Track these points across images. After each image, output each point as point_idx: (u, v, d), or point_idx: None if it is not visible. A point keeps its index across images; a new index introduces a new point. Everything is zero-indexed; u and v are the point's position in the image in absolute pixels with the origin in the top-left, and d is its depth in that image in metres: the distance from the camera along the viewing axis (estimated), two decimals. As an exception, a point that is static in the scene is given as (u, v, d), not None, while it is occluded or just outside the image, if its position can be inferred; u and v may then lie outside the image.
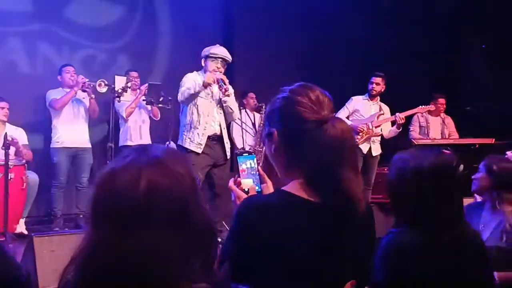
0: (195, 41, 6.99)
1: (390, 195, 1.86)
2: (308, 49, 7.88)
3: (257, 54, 7.46)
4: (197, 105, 4.75)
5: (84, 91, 5.70)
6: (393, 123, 5.95)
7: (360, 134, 5.77)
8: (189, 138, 4.77)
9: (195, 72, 4.92)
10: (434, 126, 6.98)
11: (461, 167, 3.33)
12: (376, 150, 5.94)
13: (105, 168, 0.99)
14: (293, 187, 1.34)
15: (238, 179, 1.55)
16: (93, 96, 5.71)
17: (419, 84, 7.55)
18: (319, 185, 1.31)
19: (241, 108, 6.47)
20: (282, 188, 1.36)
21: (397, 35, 7.64)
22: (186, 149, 4.73)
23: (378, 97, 6.07)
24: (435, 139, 6.72)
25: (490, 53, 8.11)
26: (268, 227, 1.27)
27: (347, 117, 5.94)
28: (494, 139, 6.24)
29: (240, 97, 6.81)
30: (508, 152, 3.30)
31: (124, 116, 5.98)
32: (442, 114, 7.06)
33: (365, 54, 7.65)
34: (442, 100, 6.94)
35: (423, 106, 6.30)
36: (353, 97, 6.04)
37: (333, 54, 7.57)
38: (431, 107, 6.47)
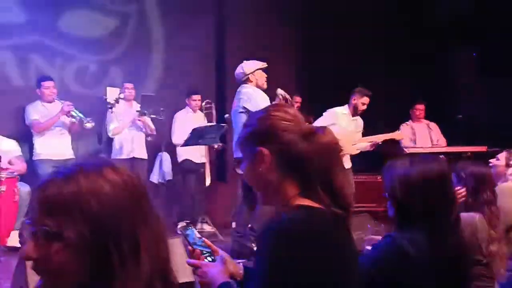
0: (188, 53, 7.03)
1: (394, 201, 1.87)
2: (300, 61, 7.92)
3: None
4: None
5: (68, 116, 5.61)
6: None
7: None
8: None
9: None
10: (421, 133, 7.04)
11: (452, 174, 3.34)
12: (348, 163, 5.78)
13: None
14: (303, 201, 1.33)
15: (196, 250, 1.55)
16: (75, 121, 5.61)
17: (410, 93, 7.60)
18: (320, 192, 1.33)
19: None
20: (299, 203, 1.33)
21: (388, 42, 7.70)
22: None
23: None
24: (426, 147, 6.76)
25: (481, 61, 8.18)
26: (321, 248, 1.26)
27: None
28: (486, 147, 6.28)
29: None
30: (491, 160, 3.32)
31: (110, 134, 5.95)
32: (426, 120, 7.12)
33: (354, 63, 7.69)
34: (419, 106, 7.02)
35: (398, 132, 6.14)
36: (333, 109, 5.81)
37: (324, 63, 7.59)
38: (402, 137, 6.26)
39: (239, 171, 6.14)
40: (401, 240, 1.76)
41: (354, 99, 5.79)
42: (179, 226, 1.46)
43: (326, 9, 7.59)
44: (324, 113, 5.85)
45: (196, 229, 1.64)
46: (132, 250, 0.93)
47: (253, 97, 4.71)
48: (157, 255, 0.97)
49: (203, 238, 1.61)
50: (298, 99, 6.81)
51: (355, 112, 5.82)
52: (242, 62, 5.07)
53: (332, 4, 7.54)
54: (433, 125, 7.16)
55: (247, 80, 4.91)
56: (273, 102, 4.59)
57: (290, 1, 7.86)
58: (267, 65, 5.01)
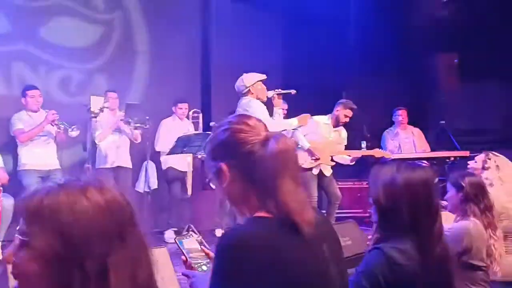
0: (173, 61, 7.03)
1: (379, 209, 1.87)
2: (285, 70, 7.97)
3: (235, 76, 7.50)
4: None
5: (53, 125, 5.54)
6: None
7: (315, 160, 5.60)
8: None
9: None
10: (405, 139, 7.10)
11: (436, 179, 3.41)
12: (328, 170, 5.82)
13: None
14: (261, 212, 1.35)
15: (189, 261, 1.56)
16: (60, 130, 5.54)
17: (393, 100, 7.68)
18: (266, 201, 1.33)
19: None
20: (256, 215, 1.35)
21: (371, 50, 7.78)
22: None
23: None
24: (410, 153, 6.82)
25: (463, 68, 8.30)
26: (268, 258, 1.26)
27: (304, 135, 5.69)
28: (469, 152, 6.36)
29: (222, 118, 6.83)
30: (469, 162, 3.37)
31: (96, 140, 5.91)
32: (410, 127, 7.18)
33: (339, 68, 7.75)
34: (400, 112, 7.08)
35: (380, 150, 6.09)
36: (314, 117, 5.71)
37: (306, 73, 7.63)
38: (386, 154, 6.18)
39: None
40: (390, 251, 1.76)
41: (338, 110, 5.81)
42: (176, 237, 1.46)
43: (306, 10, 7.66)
44: None
45: (188, 238, 1.62)
46: (99, 272, 0.93)
47: (250, 108, 4.73)
48: (133, 277, 0.97)
49: (202, 247, 1.60)
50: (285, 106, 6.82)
51: (337, 123, 5.83)
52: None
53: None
54: (417, 131, 7.23)
55: (248, 93, 4.93)
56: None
57: (273, 13, 7.93)
58: (266, 77, 5.00)
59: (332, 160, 5.80)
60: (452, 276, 1.86)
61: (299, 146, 5.52)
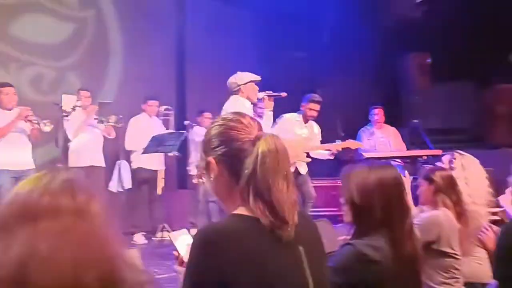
0: (148, 59, 6.98)
1: (352, 207, 1.89)
2: (260, 66, 7.97)
3: (210, 75, 7.50)
4: None
5: (26, 121, 5.41)
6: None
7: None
8: None
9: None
10: (380, 138, 7.16)
11: (410, 178, 3.45)
12: (304, 168, 5.85)
13: None
14: (242, 209, 1.36)
15: (181, 256, 1.57)
16: (36, 126, 5.41)
17: (367, 99, 7.75)
18: (253, 199, 1.34)
19: (193, 125, 6.45)
20: (234, 212, 1.37)
21: (345, 50, 7.84)
22: None
23: None
24: (384, 152, 6.88)
25: (436, 68, 8.43)
26: (237, 253, 1.28)
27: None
28: (441, 151, 6.45)
29: (195, 115, 6.80)
30: (437, 163, 3.43)
31: (71, 137, 5.82)
32: (386, 126, 7.25)
33: (314, 68, 7.80)
34: (376, 111, 7.14)
35: (353, 141, 6.11)
36: (285, 115, 5.74)
37: (281, 72, 7.67)
38: (360, 145, 6.25)
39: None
40: (363, 247, 1.78)
41: (304, 106, 5.85)
42: (173, 233, 1.46)
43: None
44: (277, 120, 5.79)
45: (182, 234, 1.63)
46: None
47: (233, 107, 4.70)
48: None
49: None
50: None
51: (306, 118, 5.88)
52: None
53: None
54: (393, 130, 7.29)
55: (238, 91, 4.85)
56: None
57: (248, 12, 7.93)
58: (260, 79, 4.96)
59: (308, 156, 5.82)
60: (420, 271, 1.90)
61: None
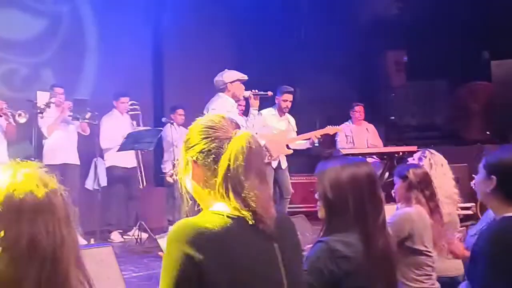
0: (123, 57, 6.88)
1: (326, 203, 1.90)
2: (238, 64, 7.96)
3: (186, 70, 7.46)
4: None
5: (1, 115, 5.32)
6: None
7: (272, 156, 5.62)
8: None
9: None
10: (359, 135, 7.22)
11: (386, 174, 3.48)
12: (284, 163, 5.90)
13: None
14: (219, 206, 1.38)
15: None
16: (11, 121, 5.33)
17: (344, 96, 7.80)
18: (228, 196, 1.36)
19: (170, 123, 6.40)
20: (210, 209, 1.40)
21: (323, 48, 7.88)
22: None
23: None
24: (361, 148, 6.94)
25: (412, 66, 8.53)
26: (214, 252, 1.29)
27: (256, 133, 5.79)
28: (416, 147, 6.54)
29: (169, 112, 6.74)
30: (409, 159, 3.48)
31: (46, 134, 5.72)
32: (365, 123, 7.32)
33: (291, 66, 7.82)
34: (358, 108, 7.21)
35: (331, 127, 6.23)
36: (261, 112, 5.72)
37: (258, 70, 7.66)
38: (339, 128, 6.41)
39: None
40: (334, 243, 1.78)
41: (277, 98, 5.89)
42: (159, 235, 1.46)
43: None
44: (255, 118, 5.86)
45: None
46: None
47: (214, 105, 4.70)
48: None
49: None
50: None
51: (281, 111, 5.91)
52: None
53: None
54: (371, 127, 7.36)
55: (225, 89, 4.84)
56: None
57: (227, 10, 7.92)
58: (247, 78, 4.96)
59: (289, 148, 5.87)
60: (395, 266, 1.91)
61: None
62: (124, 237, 6.25)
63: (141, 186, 6.23)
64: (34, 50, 6.53)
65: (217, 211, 1.36)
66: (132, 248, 5.70)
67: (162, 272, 1.32)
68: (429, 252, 2.76)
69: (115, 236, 6.16)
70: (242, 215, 1.34)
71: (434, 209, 2.84)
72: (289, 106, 5.91)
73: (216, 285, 1.27)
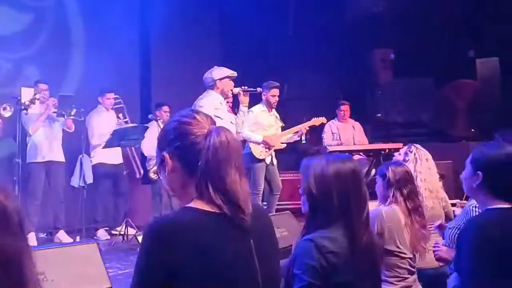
0: (109, 53, 6.82)
1: (310, 199, 1.90)
2: (225, 62, 7.94)
3: (173, 67, 7.42)
4: None
5: None
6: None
7: (271, 148, 5.76)
8: None
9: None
10: (345, 132, 7.27)
11: (373, 171, 3.49)
12: (274, 159, 5.94)
13: None
14: (196, 203, 1.38)
15: None
16: None
17: (331, 94, 7.83)
18: (208, 191, 1.36)
19: (156, 120, 6.36)
20: (186, 205, 1.40)
21: (311, 45, 7.88)
22: None
23: None
24: (347, 145, 6.97)
25: (398, 63, 8.58)
26: (188, 246, 1.30)
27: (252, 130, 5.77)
28: (402, 144, 6.57)
29: (154, 109, 6.70)
30: (395, 154, 3.49)
31: (30, 132, 5.65)
32: (351, 120, 7.35)
33: (279, 63, 7.81)
34: (343, 107, 7.25)
35: (316, 118, 6.27)
36: (252, 109, 5.70)
37: (246, 67, 7.66)
38: (323, 120, 6.42)
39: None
40: (320, 240, 1.79)
41: (265, 94, 5.90)
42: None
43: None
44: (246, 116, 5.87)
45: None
46: None
47: (201, 102, 4.68)
48: None
49: None
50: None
51: (270, 106, 5.93)
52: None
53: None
54: (357, 125, 7.40)
55: (214, 86, 4.82)
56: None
57: (213, 6, 7.89)
58: (236, 75, 4.94)
59: (282, 143, 5.92)
60: (379, 262, 1.92)
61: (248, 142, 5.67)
62: (111, 234, 6.22)
63: (138, 176, 6.20)
64: (18, 45, 6.43)
65: (194, 207, 1.37)
66: (118, 245, 5.67)
67: (135, 266, 1.32)
68: (402, 253, 2.71)
69: (102, 234, 6.12)
70: (219, 211, 1.35)
71: (413, 209, 2.79)
72: (277, 100, 5.95)
73: (190, 280, 1.28)
